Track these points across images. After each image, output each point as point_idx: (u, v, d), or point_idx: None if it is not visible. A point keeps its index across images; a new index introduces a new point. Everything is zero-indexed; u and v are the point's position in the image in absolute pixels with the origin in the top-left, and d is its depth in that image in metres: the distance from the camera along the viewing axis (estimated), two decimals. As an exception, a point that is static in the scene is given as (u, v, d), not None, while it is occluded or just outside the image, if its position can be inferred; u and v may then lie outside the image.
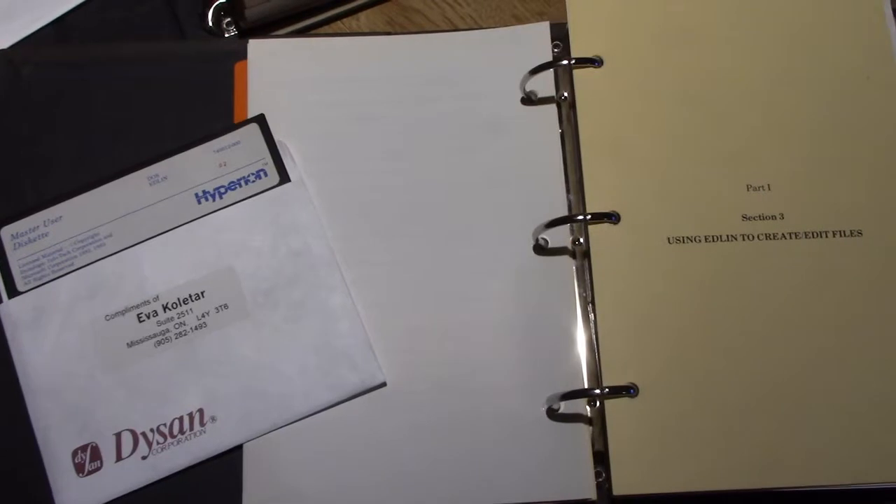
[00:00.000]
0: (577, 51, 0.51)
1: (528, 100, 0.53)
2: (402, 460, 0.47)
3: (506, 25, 0.56)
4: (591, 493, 0.46)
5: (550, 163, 0.52)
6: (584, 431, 0.47)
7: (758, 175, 0.49)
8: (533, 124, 0.52)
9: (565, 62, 0.51)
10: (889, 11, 0.52)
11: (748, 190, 0.48)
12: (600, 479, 0.46)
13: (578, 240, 0.49)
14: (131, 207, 0.51)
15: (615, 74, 0.51)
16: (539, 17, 0.57)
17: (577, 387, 0.47)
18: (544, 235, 0.50)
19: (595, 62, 0.51)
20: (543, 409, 0.47)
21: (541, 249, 0.50)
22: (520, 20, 0.57)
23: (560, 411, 0.47)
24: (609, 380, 0.46)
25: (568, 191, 0.51)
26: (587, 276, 0.49)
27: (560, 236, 0.50)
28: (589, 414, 0.47)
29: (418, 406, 0.48)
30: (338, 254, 0.50)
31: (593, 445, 0.47)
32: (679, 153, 0.49)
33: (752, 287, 0.47)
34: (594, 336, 0.47)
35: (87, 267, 0.50)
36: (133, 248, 0.50)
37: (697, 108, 0.50)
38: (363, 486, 0.47)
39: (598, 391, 0.45)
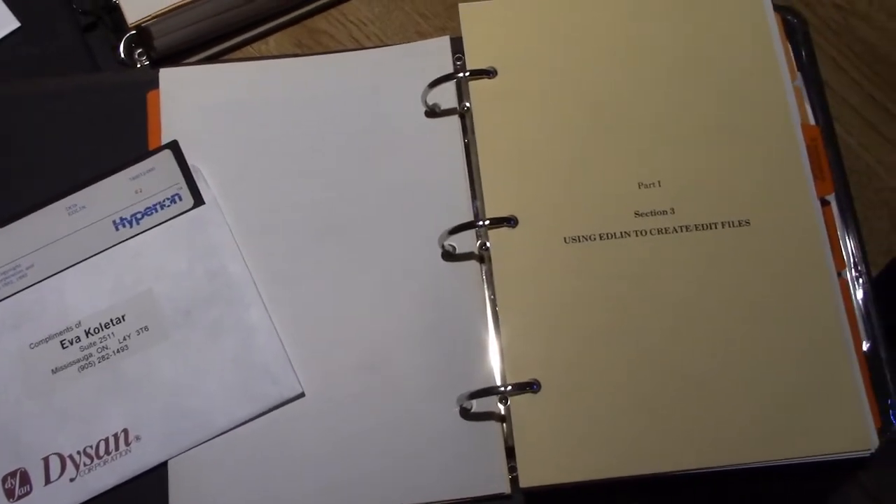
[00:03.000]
0: (471, 63, 0.53)
1: (432, 112, 0.55)
2: (323, 468, 0.49)
3: (410, 41, 0.58)
4: (505, 488, 0.48)
5: (455, 172, 0.53)
6: (496, 428, 0.49)
7: (648, 173, 0.51)
8: (438, 136, 0.54)
9: (461, 74, 0.53)
10: (770, 11, 0.55)
11: (639, 187, 0.51)
12: (514, 474, 0.48)
13: (485, 244, 0.51)
14: (51, 238, 0.53)
15: (509, 84, 0.53)
16: (442, 32, 0.59)
17: (489, 386, 0.49)
18: (452, 242, 0.52)
19: (489, 73, 0.53)
20: (457, 410, 0.49)
21: (449, 256, 0.52)
22: (424, 36, 0.59)
23: (473, 410, 0.49)
24: (513, 377, 0.48)
25: (474, 197, 0.53)
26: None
27: (469, 242, 0.52)
28: (502, 411, 0.49)
29: (337, 414, 0.50)
30: (253, 271, 0.52)
31: (506, 442, 0.49)
32: (572, 156, 0.51)
33: (648, 280, 0.49)
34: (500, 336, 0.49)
35: (10, 298, 0.51)
36: (54, 276, 0.52)
37: (588, 111, 0.52)
38: (287, 496, 0.48)
39: (502, 388, 0.47)
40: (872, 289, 0.52)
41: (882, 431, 0.49)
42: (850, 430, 0.47)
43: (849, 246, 0.53)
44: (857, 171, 0.56)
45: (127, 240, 0.52)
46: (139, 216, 0.53)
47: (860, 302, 0.52)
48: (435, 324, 0.51)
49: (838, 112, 0.57)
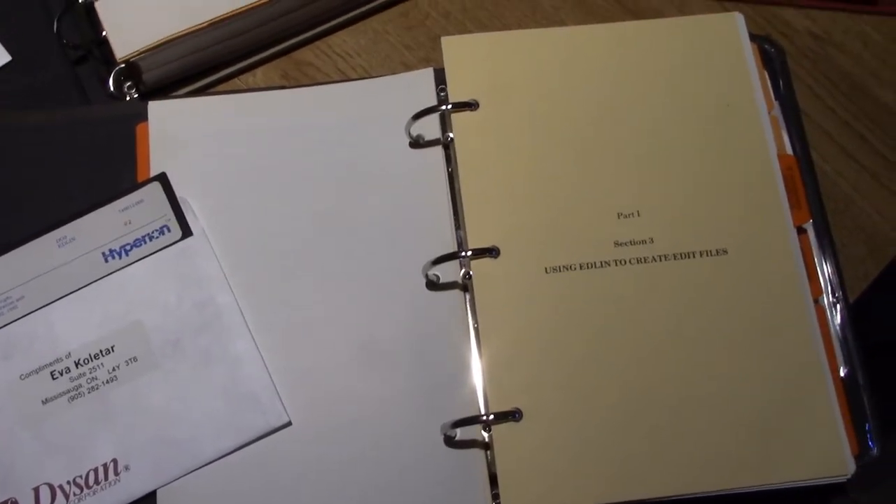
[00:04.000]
0: (454, 95, 0.54)
1: (416, 143, 0.56)
2: (309, 496, 0.49)
3: (395, 73, 0.59)
4: (489, 515, 0.49)
5: (439, 202, 0.54)
6: (480, 456, 0.50)
7: (627, 203, 0.52)
8: (422, 166, 0.55)
9: (443, 107, 0.54)
10: (747, 41, 0.56)
11: (619, 217, 0.52)
12: (497, 502, 0.49)
13: (469, 274, 0.52)
14: (41, 269, 0.53)
15: (491, 116, 0.54)
16: (426, 63, 0.60)
17: (472, 415, 0.50)
18: (435, 271, 0.53)
19: (471, 105, 0.54)
20: (441, 438, 0.50)
21: (433, 285, 0.53)
22: (408, 67, 0.60)
23: (457, 438, 0.50)
24: (496, 406, 0.48)
25: (457, 227, 0.54)
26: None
27: (453, 271, 0.53)
28: (486, 439, 0.50)
29: (323, 443, 0.50)
30: (241, 301, 0.53)
31: (490, 469, 0.50)
32: (552, 186, 0.52)
33: (628, 309, 0.50)
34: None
35: (1, 330, 0.52)
36: (44, 308, 0.52)
37: (568, 142, 0.53)
38: (275, 522, 0.49)
39: (485, 417, 0.48)
40: (850, 315, 0.53)
41: (860, 457, 0.49)
42: (826, 456, 0.48)
43: (826, 272, 0.54)
44: (833, 198, 0.57)
45: (116, 271, 0.53)
46: (128, 248, 0.54)
47: (837, 328, 0.52)
48: (420, 352, 0.51)
49: (815, 140, 0.58)
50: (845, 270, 0.54)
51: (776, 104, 0.57)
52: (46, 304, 0.53)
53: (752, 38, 0.58)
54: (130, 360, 0.52)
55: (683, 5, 0.62)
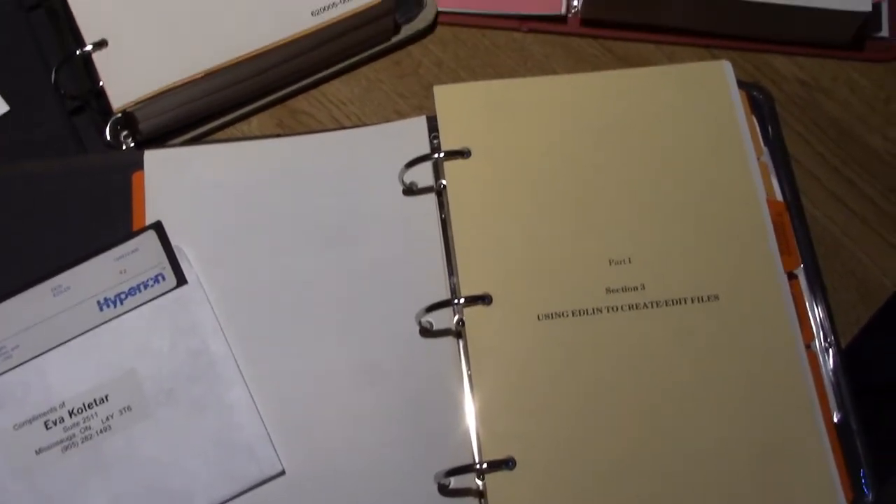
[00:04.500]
0: (446, 144, 0.55)
1: (410, 190, 0.56)
2: (303, 545, 0.49)
3: (388, 120, 0.60)
4: (483, 564, 0.49)
5: (432, 248, 0.55)
6: (474, 505, 0.50)
7: (619, 250, 0.52)
8: (415, 213, 0.56)
9: (436, 155, 0.54)
10: (735, 89, 0.57)
11: (610, 264, 0.52)
12: (492, 549, 0.49)
13: (462, 321, 0.52)
14: (36, 319, 0.54)
15: (483, 164, 0.54)
16: (419, 110, 0.61)
17: (466, 464, 0.50)
18: (429, 318, 0.53)
19: (463, 153, 0.55)
20: (435, 486, 0.50)
21: (426, 332, 0.53)
22: (402, 115, 0.61)
23: (451, 487, 0.50)
24: (489, 454, 0.48)
25: (451, 273, 0.54)
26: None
27: (446, 318, 0.53)
28: (480, 487, 0.50)
29: (317, 492, 0.50)
30: (235, 349, 0.53)
31: (484, 518, 0.50)
32: (544, 234, 0.53)
33: (620, 356, 0.50)
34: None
35: (-5, 379, 0.52)
36: (39, 357, 0.53)
37: (559, 190, 0.54)
38: (268, 572, 0.49)
39: (478, 466, 0.48)
40: (842, 359, 0.53)
41: (854, 502, 0.49)
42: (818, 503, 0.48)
43: (817, 317, 0.54)
44: (824, 242, 0.57)
45: (111, 320, 0.53)
46: (123, 296, 0.54)
47: (830, 373, 0.53)
48: (414, 399, 0.52)
49: (805, 185, 0.59)
50: (837, 315, 0.54)
51: (765, 150, 0.58)
52: (41, 354, 0.53)
53: (741, 84, 0.59)
54: (124, 409, 0.52)
55: (673, 53, 0.63)
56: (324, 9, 0.59)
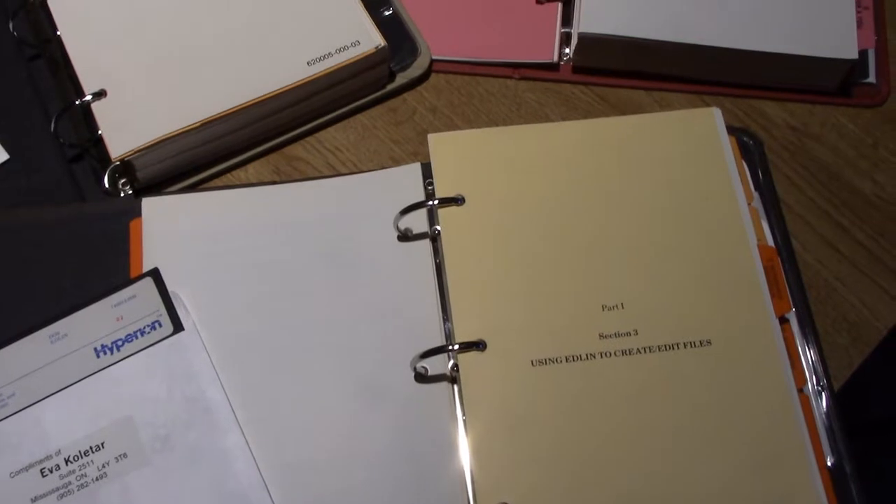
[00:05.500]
0: (440, 191, 0.56)
1: (405, 236, 0.57)
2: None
3: (383, 167, 0.61)
4: None
5: (427, 294, 0.55)
6: (469, 550, 0.50)
7: (611, 295, 0.53)
8: (410, 259, 0.56)
9: (430, 203, 0.55)
10: (725, 135, 0.58)
11: (603, 310, 0.52)
12: None
13: (456, 366, 0.53)
14: (33, 366, 0.54)
15: (476, 211, 0.55)
16: (414, 156, 0.62)
17: (459, 508, 0.50)
18: (424, 364, 0.53)
19: (457, 200, 0.55)
20: (429, 532, 0.50)
21: (421, 378, 0.53)
22: (397, 161, 0.62)
23: (445, 532, 0.50)
24: (484, 500, 0.49)
25: (446, 319, 0.55)
26: (464, 401, 0.52)
27: (441, 363, 0.53)
28: (475, 533, 0.50)
29: (312, 538, 0.50)
30: (231, 395, 0.53)
31: (480, 563, 0.49)
32: (537, 280, 0.53)
33: (613, 401, 0.50)
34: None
35: (-8, 427, 0.53)
36: (35, 405, 0.53)
37: (552, 236, 0.54)
38: None
39: (472, 512, 0.48)
40: (835, 403, 0.53)
41: (850, 546, 0.50)
42: (814, 549, 0.48)
43: (810, 361, 0.54)
44: (815, 286, 0.58)
45: (107, 367, 0.54)
46: (120, 343, 0.54)
47: (823, 416, 0.53)
48: (409, 444, 0.52)
49: (796, 229, 0.59)
50: (829, 359, 0.55)
51: (756, 195, 0.58)
52: (37, 401, 0.53)
53: (731, 130, 0.60)
54: (120, 456, 0.52)
55: (663, 99, 0.64)
56: (320, 58, 0.60)
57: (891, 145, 0.63)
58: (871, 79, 0.64)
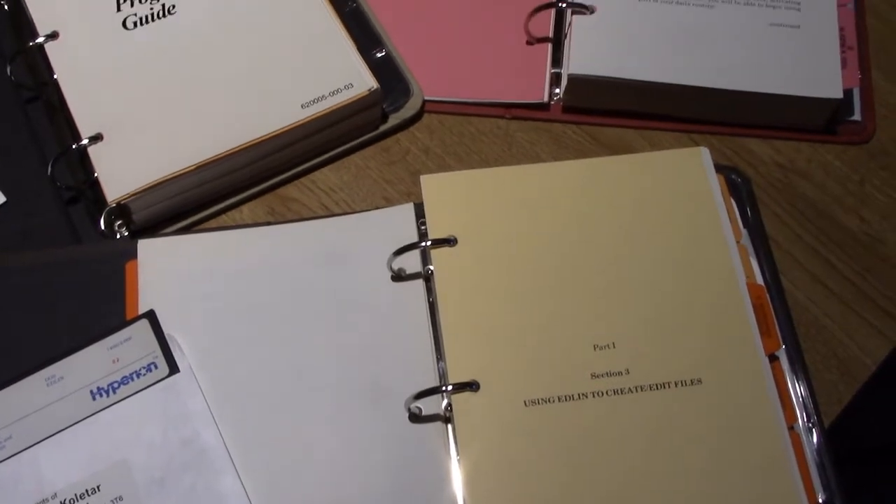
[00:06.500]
0: (433, 232, 0.56)
1: (398, 276, 0.57)
2: None
3: (377, 207, 0.61)
4: None
5: (421, 333, 0.56)
6: (464, 591, 0.50)
7: (603, 335, 0.53)
8: (404, 299, 0.57)
9: (423, 244, 0.56)
10: (713, 174, 0.58)
11: (595, 349, 0.53)
12: None
13: (450, 406, 0.53)
14: (29, 409, 0.54)
15: (469, 252, 0.56)
16: (407, 196, 0.63)
17: (455, 548, 0.50)
18: (418, 404, 0.54)
19: (450, 241, 0.56)
20: (424, 573, 0.50)
21: (415, 418, 0.54)
22: (390, 201, 0.63)
23: (441, 573, 0.50)
24: (478, 541, 0.49)
25: (439, 358, 0.55)
26: (459, 441, 0.52)
27: (434, 403, 0.54)
28: (470, 572, 0.50)
29: (307, 580, 0.51)
30: (226, 436, 0.53)
31: None
32: (530, 320, 0.54)
33: (606, 441, 0.51)
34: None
35: (-13, 471, 0.53)
36: (31, 448, 0.53)
37: (543, 277, 0.55)
38: None
39: (467, 554, 0.49)
40: (825, 439, 0.54)
41: (841, 583, 0.50)
42: (806, 588, 0.48)
43: (800, 397, 0.55)
44: (804, 323, 0.59)
45: (103, 409, 0.54)
46: (116, 386, 0.55)
47: (814, 453, 0.53)
48: (403, 485, 0.52)
49: (785, 266, 0.60)
50: (819, 395, 0.55)
51: (744, 233, 0.59)
52: (34, 444, 0.53)
53: (720, 168, 0.61)
54: (116, 499, 0.52)
55: (653, 138, 0.65)
56: (313, 101, 0.61)
57: (877, 182, 0.64)
58: (857, 116, 0.65)
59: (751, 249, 0.59)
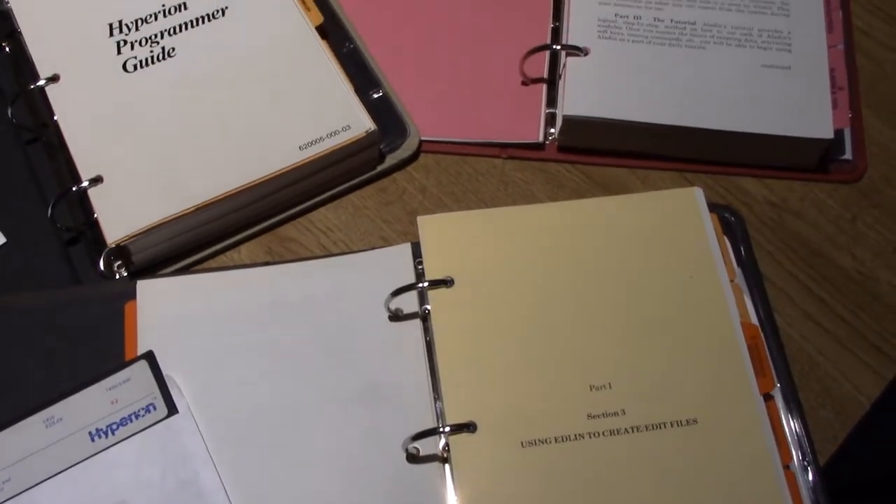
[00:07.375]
0: (430, 273, 0.57)
1: (395, 316, 0.58)
2: None
3: (374, 246, 0.62)
4: None
5: (418, 373, 0.56)
6: None
7: (599, 375, 0.54)
8: (401, 338, 0.57)
9: (420, 285, 0.56)
10: (706, 214, 0.59)
11: (591, 390, 0.53)
12: None
13: (448, 446, 0.53)
14: (28, 451, 0.54)
15: (465, 292, 0.56)
16: (404, 236, 0.63)
17: (453, 589, 0.50)
18: (415, 445, 0.54)
19: (447, 282, 0.56)
20: None
21: (413, 458, 0.54)
22: (387, 240, 0.63)
23: None
24: (476, 583, 0.49)
25: (437, 398, 0.55)
26: (457, 482, 0.53)
27: (432, 443, 0.54)
28: None
29: None
30: (225, 477, 0.53)
31: None
32: (526, 361, 0.54)
33: (603, 481, 0.51)
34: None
35: (-15, 513, 0.53)
36: (30, 490, 0.53)
37: (539, 318, 0.56)
38: None
39: None
40: (820, 478, 0.54)
41: None
42: None
43: (795, 436, 0.55)
44: (799, 361, 0.59)
45: (102, 451, 0.54)
46: (115, 427, 0.55)
47: (809, 491, 0.54)
48: (401, 526, 0.52)
49: (779, 304, 0.61)
50: (814, 433, 0.56)
51: (738, 271, 0.60)
52: (33, 486, 0.53)
53: (713, 207, 0.61)
54: (114, 541, 0.52)
55: (647, 177, 0.66)
56: (311, 143, 0.62)
57: (868, 220, 0.64)
58: (848, 155, 0.66)
59: (745, 288, 0.59)
